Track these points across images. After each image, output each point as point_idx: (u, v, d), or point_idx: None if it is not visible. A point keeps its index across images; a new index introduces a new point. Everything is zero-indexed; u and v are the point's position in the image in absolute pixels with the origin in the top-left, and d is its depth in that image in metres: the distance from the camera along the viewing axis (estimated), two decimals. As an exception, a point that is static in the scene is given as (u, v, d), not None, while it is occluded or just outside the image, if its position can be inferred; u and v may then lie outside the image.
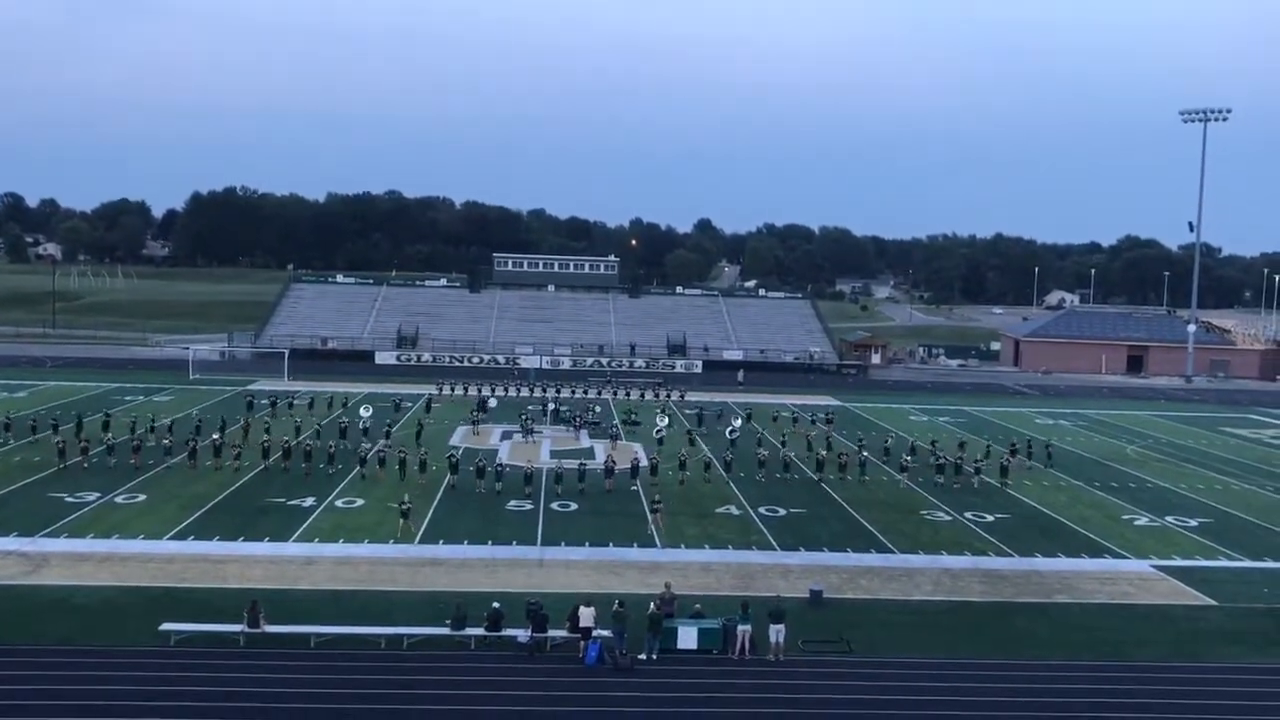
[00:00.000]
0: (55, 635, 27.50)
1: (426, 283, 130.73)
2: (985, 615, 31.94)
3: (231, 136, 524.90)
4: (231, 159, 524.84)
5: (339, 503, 42.97)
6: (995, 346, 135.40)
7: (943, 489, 49.57)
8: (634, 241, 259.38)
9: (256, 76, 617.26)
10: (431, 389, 76.61)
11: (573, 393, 79.97)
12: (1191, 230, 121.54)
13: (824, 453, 53.71)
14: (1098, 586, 35.21)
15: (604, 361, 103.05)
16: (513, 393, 78.48)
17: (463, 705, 24.28)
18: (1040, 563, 37.87)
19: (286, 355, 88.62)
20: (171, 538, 37.05)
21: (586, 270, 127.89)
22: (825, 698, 25.50)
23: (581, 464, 47.62)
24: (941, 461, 52.91)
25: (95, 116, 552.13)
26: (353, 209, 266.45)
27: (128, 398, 70.72)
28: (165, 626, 27.65)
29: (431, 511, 41.70)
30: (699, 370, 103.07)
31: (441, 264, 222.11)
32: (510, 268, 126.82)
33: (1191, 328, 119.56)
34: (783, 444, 56.95)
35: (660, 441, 57.03)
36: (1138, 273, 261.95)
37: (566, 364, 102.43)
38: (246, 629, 27.45)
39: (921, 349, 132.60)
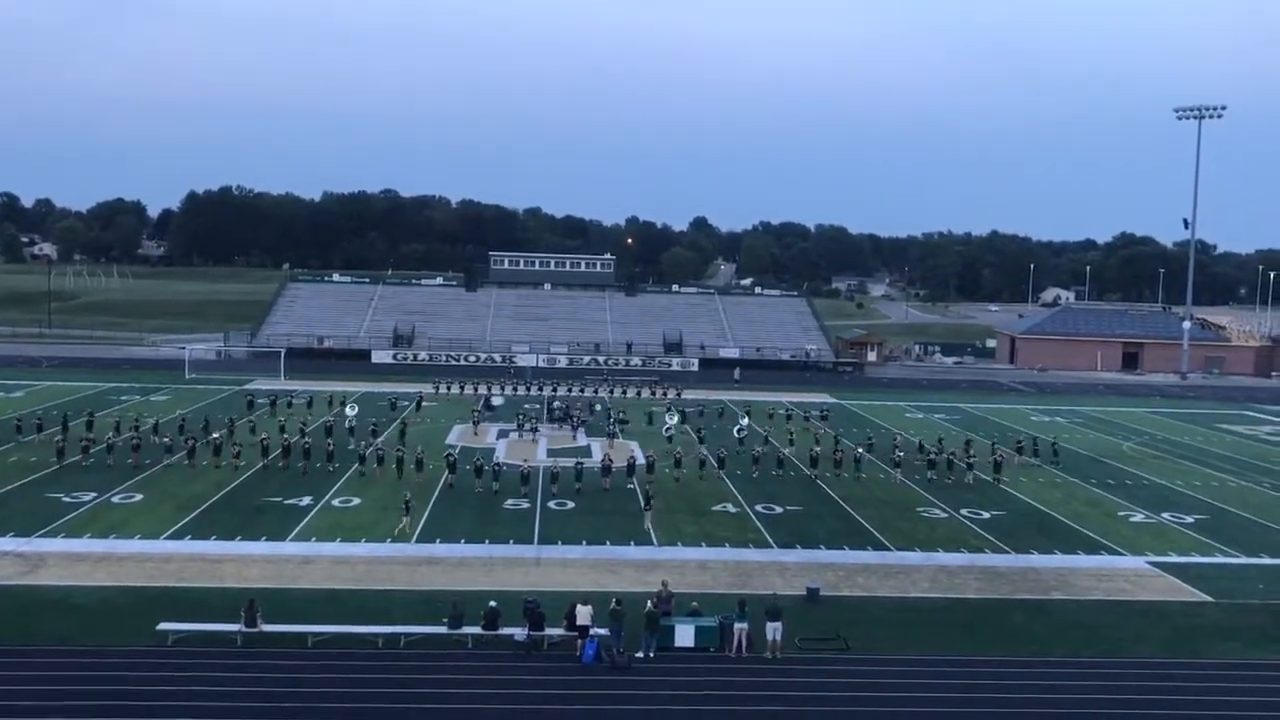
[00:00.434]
0: (52, 635, 27.51)
1: (423, 281, 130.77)
2: (982, 612, 32.01)
3: (227, 136, 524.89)
4: (227, 158, 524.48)
5: (336, 502, 42.98)
6: (991, 344, 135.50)
7: (938, 486, 49.64)
8: (630, 240, 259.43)
9: (252, 76, 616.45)
10: (425, 388, 76.55)
11: (569, 391, 79.96)
12: (1186, 227, 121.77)
13: (816, 449, 53.76)
14: (1094, 583, 35.28)
15: (600, 360, 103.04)
16: (510, 391, 78.45)
17: (460, 704, 24.30)
18: (1037, 560, 37.94)
19: (283, 354, 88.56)
20: (168, 537, 37.05)
21: (583, 269, 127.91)
22: (822, 695, 25.54)
23: (578, 463, 47.64)
24: (932, 457, 53.14)
25: (90, 116, 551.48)
26: (349, 208, 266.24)
27: (124, 397, 70.68)
28: (162, 626, 27.65)
29: (429, 510, 41.72)
30: (695, 368, 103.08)
31: (437, 263, 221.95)
32: (506, 266, 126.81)
33: (1187, 324, 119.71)
34: (790, 442, 56.79)
35: (670, 439, 57.01)
36: (1133, 270, 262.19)
37: (563, 362, 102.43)
38: (244, 628, 27.45)
39: (917, 346, 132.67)
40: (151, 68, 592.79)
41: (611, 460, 48.20)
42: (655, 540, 38.62)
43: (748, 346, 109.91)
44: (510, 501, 43.50)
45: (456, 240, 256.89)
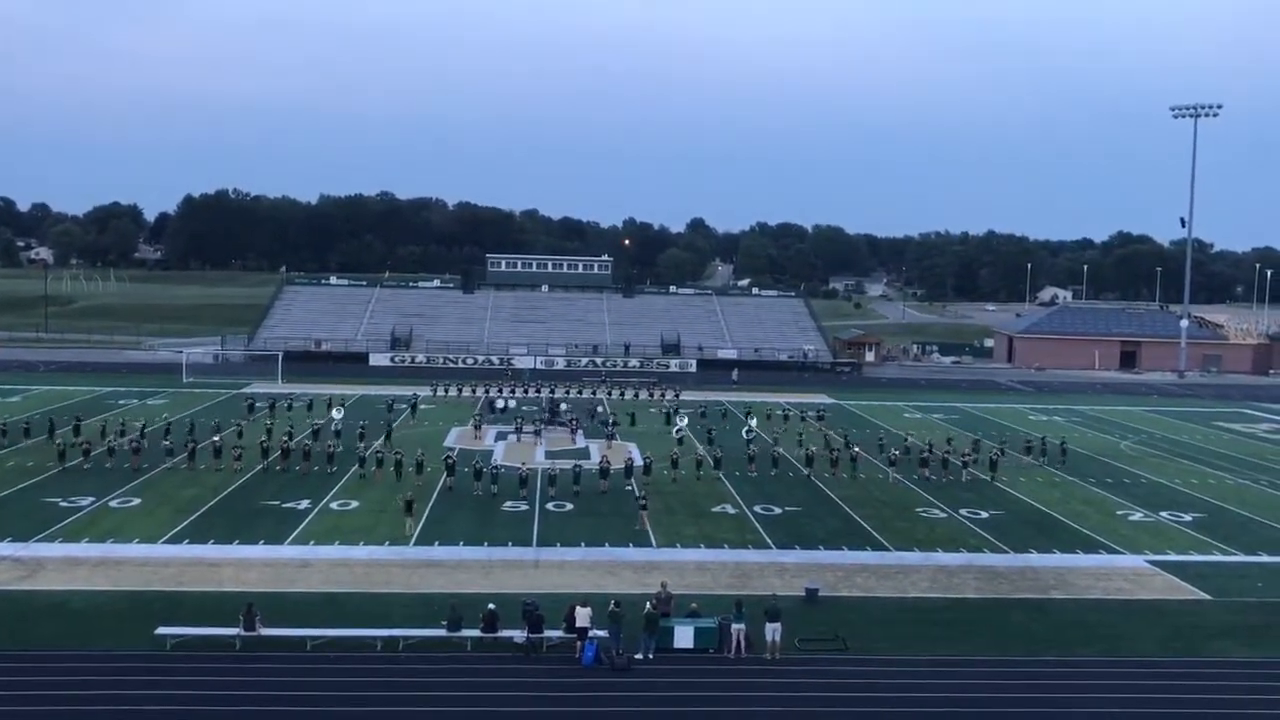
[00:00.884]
0: (51, 640, 27.45)
1: (420, 284, 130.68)
2: (981, 612, 32.01)
3: (223, 139, 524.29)
4: (224, 162, 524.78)
5: (334, 505, 42.95)
6: (989, 343, 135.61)
7: (936, 486, 49.65)
8: (627, 241, 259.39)
9: (248, 79, 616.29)
10: (422, 390, 76.46)
11: (567, 392, 79.93)
12: (1183, 226, 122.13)
13: (813, 448, 53.76)
14: (1093, 582, 35.29)
15: (598, 361, 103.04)
16: (511, 392, 78.32)
17: (459, 706, 24.28)
18: (1035, 559, 37.94)
19: (280, 358, 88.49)
20: (167, 541, 37.01)
21: (580, 270, 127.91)
22: (821, 696, 25.53)
23: (576, 465, 47.62)
24: (925, 455, 53.23)
25: (86, 120, 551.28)
26: (346, 210, 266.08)
27: (121, 401, 70.61)
28: (161, 631, 27.61)
29: (428, 513, 41.68)
30: (693, 369, 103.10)
31: (435, 265, 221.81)
32: (504, 268, 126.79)
33: (1184, 323, 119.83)
34: (800, 443, 56.65)
35: (680, 441, 56.99)
36: (1130, 269, 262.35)
37: (561, 364, 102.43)
38: (242, 632, 27.42)
39: (915, 346, 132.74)
40: (147, 71, 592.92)
41: (609, 462, 48.19)
42: (654, 541, 38.61)
43: (745, 347, 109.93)
44: (509, 504, 43.47)
45: (454, 242, 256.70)
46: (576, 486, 45.57)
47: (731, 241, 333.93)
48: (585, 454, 54.37)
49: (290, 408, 68.36)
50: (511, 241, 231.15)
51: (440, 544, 37.45)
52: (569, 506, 43.50)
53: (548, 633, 27.84)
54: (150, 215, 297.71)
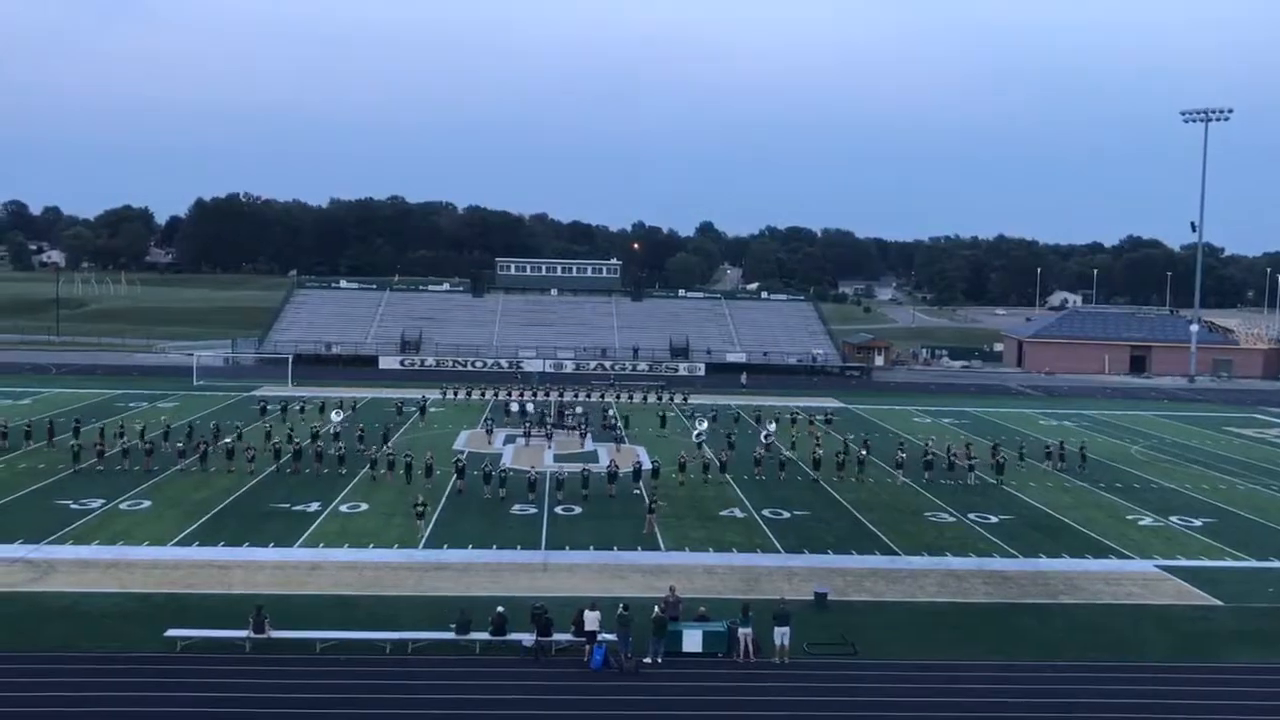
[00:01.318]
0: (62, 641, 27.55)
1: (429, 287, 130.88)
2: (990, 616, 31.94)
3: (234, 143, 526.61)
4: (235, 165, 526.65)
5: (344, 508, 43.03)
6: (998, 348, 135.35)
7: (946, 490, 49.54)
8: (636, 245, 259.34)
9: (259, 82, 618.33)
10: (431, 393, 76.51)
11: (575, 395, 79.97)
12: (1194, 230, 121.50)
13: (819, 452, 53.80)
14: (1103, 587, 35.19)
15: (607, 365, 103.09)
16: (526, 396, 78.17)
17: (468, 710, 24.31)
18: (1045, 564, 37.85)
19: (290, 361, 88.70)
20: (177, 544, 37.12)
21: (589, 274, 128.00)
22: (830, 700, 25.50)
23: (585, 469, 47.64)
24: (929, 458, 53.21)
25: (98, 123, 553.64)
26: (356, 214, 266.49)
27: (132, 404, 70.84)
28: (171, 633, 27.70)
29: (436, 516, 41.74)
30: (702, 373, 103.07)
31: (444, 269, 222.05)
32: (513, 272, 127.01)
33: (1195, 328, 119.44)
34: (817, 446, 56.53)
35: (700, 445, 56.78)
36: (1140, 273, 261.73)
37: (569, 367, 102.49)
38: (252, 635, 27.48)
39: (924, 350, 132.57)
40: (158, 74, 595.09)
41: (617, 466, 48.19)
42: (662, 545, 38.61)
43: (754, 351, 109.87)
44: (517, 507, 43.50)
45: (463, 246, 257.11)
46: (585, 490, 45.59)
47: (740, 245, 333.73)
48: (594, 457, 54.38)
49: (303, 410, 68.50)
50: (521, 245, 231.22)
51: (449, 547, 37.49)
52: (577, 510, 43.52)
53: (556, 636, 27.84)
54: (161, 219, 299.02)
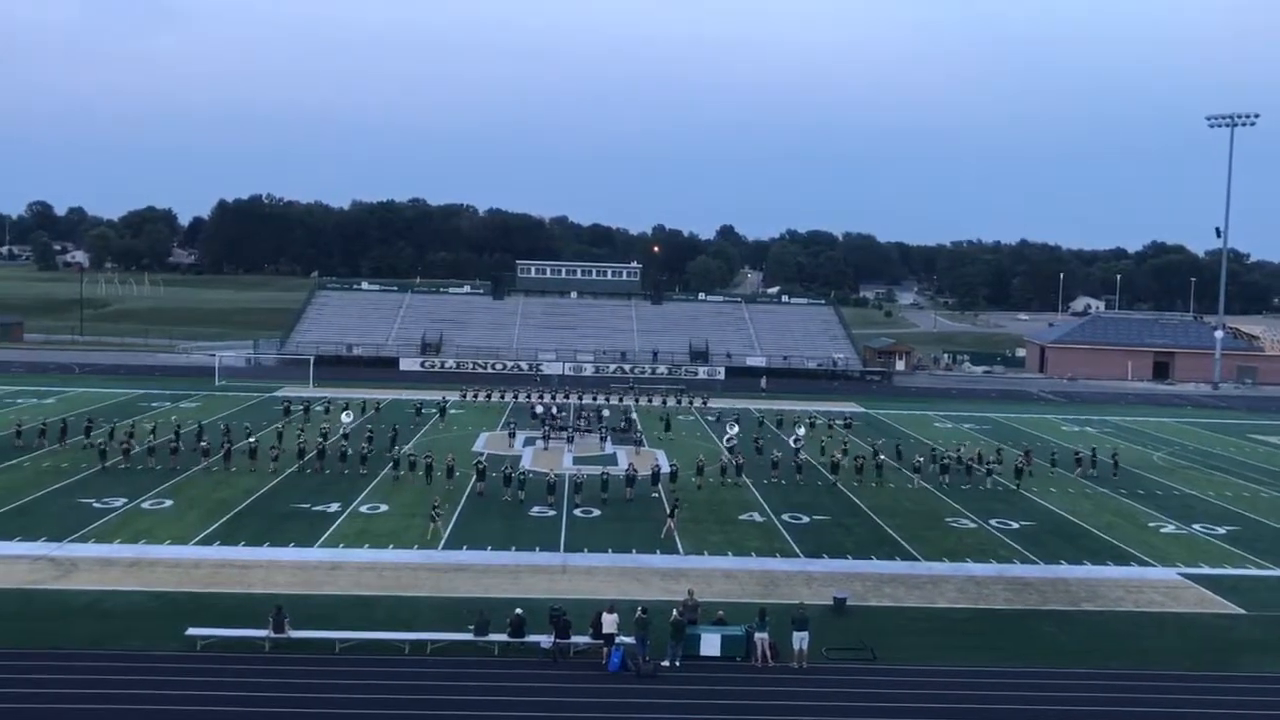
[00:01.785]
0: (84, 639, 27.75)
1: (450, 289, 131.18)
2: (1010, 623, 31.78)
3: (257, 145, 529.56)
4: (257, 167, 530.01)
5: (363, 508, 43.18)
6: (1020, 353, 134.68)
7: (968, 495, 49.34)
8: (656, 248, 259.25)
9: (281, 85, 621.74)
10: (450, 394, 76.66)
11: (594, 398, 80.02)
12: (1219, 236, 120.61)
13: (837, 455, 53.75)
14: (1124, 594, 34.96)
15: (626, 368, 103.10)
16: (560, 398, 78.17)
17: (486, 711, 24.34)
18: (1066, 570, 37.63)
19: (312, 362, 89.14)
20: (198, 543, 37.33)
21: (609, 277, 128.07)
22: (849, 705, 25.42)
23: (604, 472, 47.63)
24: (946, 462, 53.06)
25: (122, 125, 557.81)
26: (377, 216, 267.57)
27: (154, 404, 71.30)
28: (191, 631, 27.86)
29: (455, 517, 41.84)
30: (721, 377, 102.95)
31: (465, 271, 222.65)
32: (533, 274, 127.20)
33: (1219, 334, 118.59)
34: (843, 451, 56.35)
35: (731, 450, 56.46)
36: (1164, 279, 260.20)
37: (589, 370, 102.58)
38: (271, 634, 27.61)
39: (946, 356, 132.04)
40: (182, 77, 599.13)
41: (636, 470, 48.16)
42: (681, 549, 38.57)
43: (774, 355, 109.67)
44: (536, 509, 43.55)
45: (484, 248, 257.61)
46: (604, 493, 45.60)
47: (761, 249, 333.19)
48: (613, 460, 54.39)
49: (327, 410, 68.84)
50: (541, 248, 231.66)
51: (468, 548, 37.57)
52: (596, 513, 43.53)
53: (574, 638, 27.87)
54: (185, 220, 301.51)
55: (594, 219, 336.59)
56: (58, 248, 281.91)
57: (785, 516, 44.04)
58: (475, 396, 78.77)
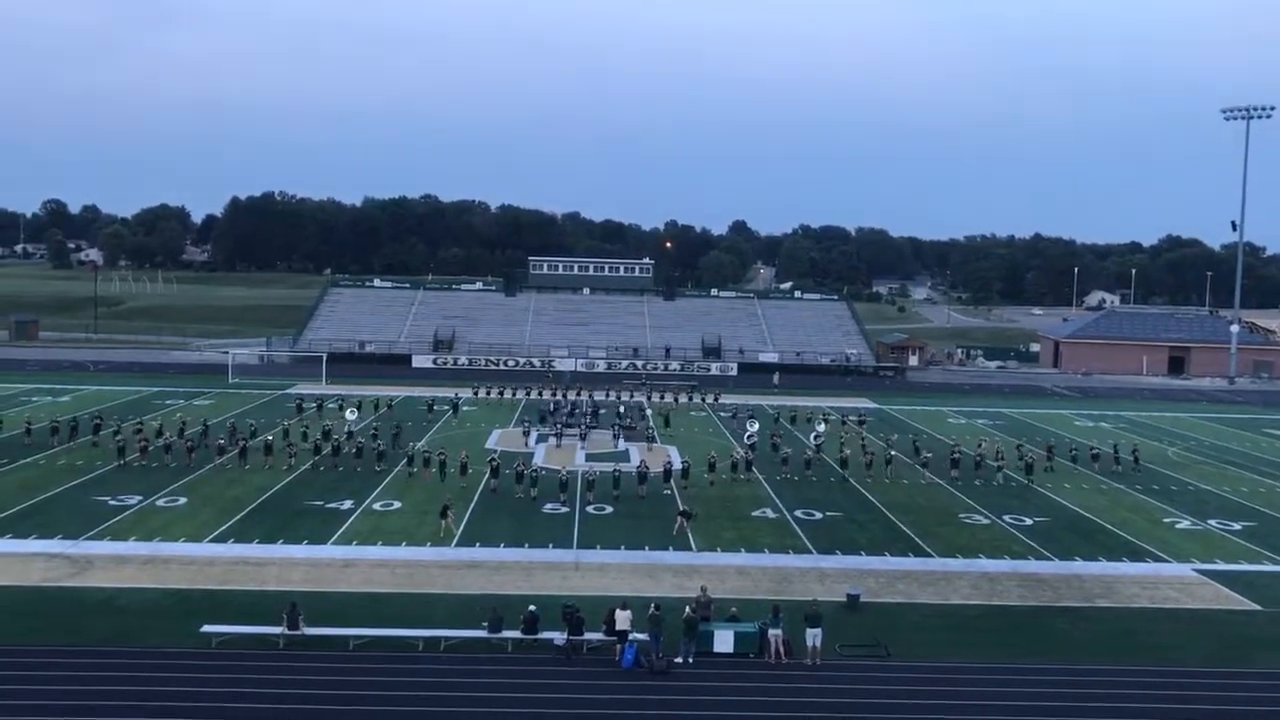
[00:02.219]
0: (99, 636, 27.89)
1: (463, 286, 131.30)
2: (1024, 619, 31.69)
3: (269, 142, 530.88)
4: (269, 164, 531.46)
5: (377, 505, 43.28)
6: (1034, 348, 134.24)
7: (980, 492, 49.23)
8: (668, 244, 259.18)
9: (293, 82, 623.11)
10: (463, 391, 76.70)
11: (606, 395, 80.00)
12: (1235, 230, 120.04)
13: (847, 451, 53.77)
14: (1139, 591, 34.82)
15: (639, 364, 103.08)
16: (573, 396, 78.10)
17: (499, 707, 24.37)
18: (1080, 566, 37.51)
19: (324, 359, 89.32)
20: (212, 540, 37.46)
21: (621, 273, 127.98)
22: (862, 702, 25.38)
23: (616, 469, 47.65)
24: (956, 456, 52.98)
25: (135, 123, 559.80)
26: (389, 213, 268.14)
27: (168, 401, 71.56)
28: (206, 628, 27.97)
29: (468, 515, 41.90)
30: (734, 373, 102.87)
31: (477, 267, 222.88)
32: (545, 271, 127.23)
33: (1235, 328, 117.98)
34: (862, 448, 56.22)
35: (752, 447, 56.31)
36: (1179, 273, 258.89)
37: (601, 367, 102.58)
38: (286, 631, 27.70)
39: (959, 351, 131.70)
40: (194, 74, 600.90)
41: (648, 466, 48.13)
42: (694, 545, 38.56)
43: (787, 351, 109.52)
44: (549, 506, 43.58)
45: (496, 245, 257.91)
46: (616, 490, 45.61)
47: (774, 244, 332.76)
48: (625, 457, 54.40)
49: (341, 407, 68.93)
50: (553, 244, 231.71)
51: (481, 545, 37.63)
52: (609, 509, 43.54)
53: (588, 635, 27.89)
54: (197, 217, 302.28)
55: (606, 215, 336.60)
56: (72, 246, 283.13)
57: (798, 513, 43.99)
58: (488, 393, 78.82)
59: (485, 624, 28.33)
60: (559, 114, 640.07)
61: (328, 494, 44.80)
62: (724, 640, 27.99)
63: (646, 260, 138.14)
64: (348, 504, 43.17)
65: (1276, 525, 45.04)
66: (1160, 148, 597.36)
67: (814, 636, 27.46)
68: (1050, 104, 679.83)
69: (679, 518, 40.70)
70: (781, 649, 27.61)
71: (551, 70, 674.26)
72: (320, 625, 28.30)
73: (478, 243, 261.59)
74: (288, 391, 77.97)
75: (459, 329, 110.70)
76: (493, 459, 48.79)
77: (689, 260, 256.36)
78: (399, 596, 31.87)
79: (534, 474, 46.50)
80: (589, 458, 54.23)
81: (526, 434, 61.11)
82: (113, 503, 42.16)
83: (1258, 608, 33.53)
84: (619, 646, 27.31)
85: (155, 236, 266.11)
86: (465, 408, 71.40)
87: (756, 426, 61.98)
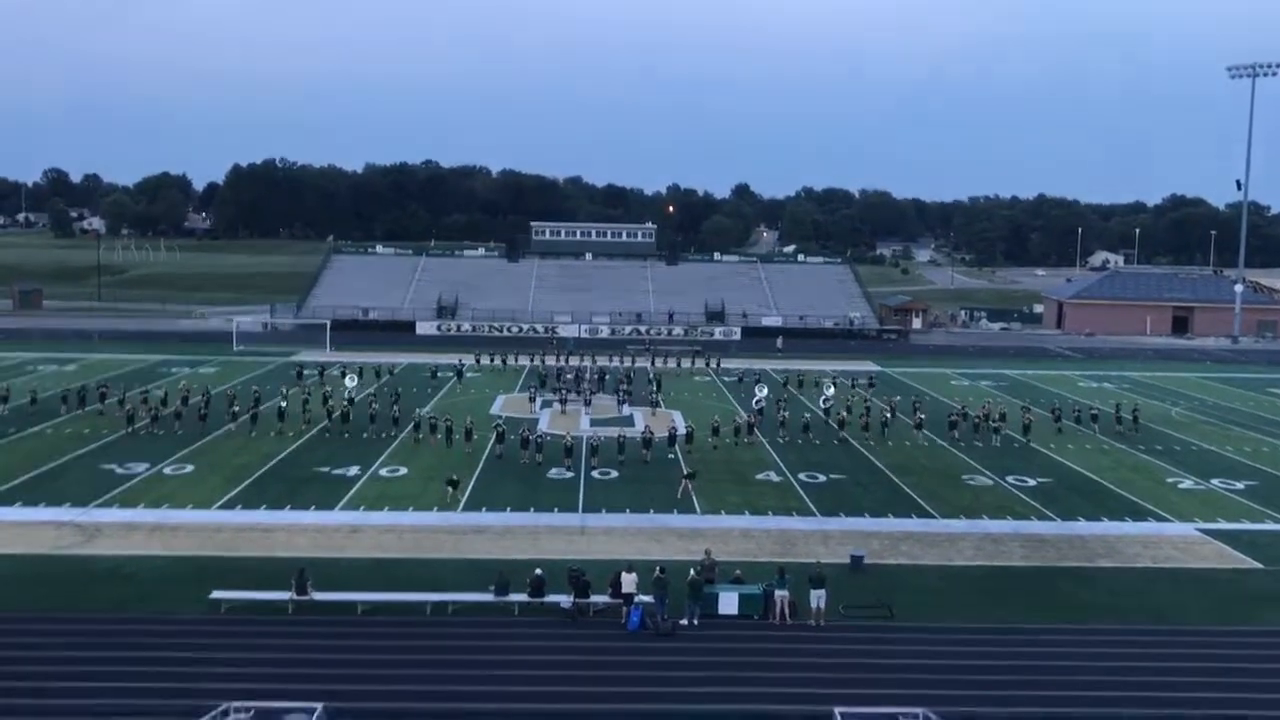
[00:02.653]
0: (108, 603, 28.15)
1: (465, 252, 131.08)
2: (1027, 580, 31.88)
3: (270, 109, 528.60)
4: (270, 131, 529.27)
5: (383, 471, 43.48)
6: (1038, 309, 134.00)
7: (983, 453, 49.35)
8: (670, 208, 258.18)
9: (293, 49, 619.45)
10: (466, 358, 76.71)
11: (609, 360, 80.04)
12: (1239, 188, 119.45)
13: (844, 414, 54.13)
14: (1141, 550, 35.00)
15: (642, 330, 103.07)
16: (575, 362, 78.16)
17: (507, 670, 24.60)
18: (1082, 527, 37.67)
19: (328, 326, 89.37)
20: (220, 507, 37.69)
21: (624, 238, 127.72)
22: (866, 663, 25.60)
23: (621, 434, 47.78)
24: (954, 419, 53.12)
25: (135, 91, 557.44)
26: (391, 179, 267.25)
27: (173, 370, 71.72)
28: (215, 594, 28.20)
29: (474, 480, 42.09)
30: (738, 337, 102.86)
31: (479, 233, 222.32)
32: (548, 236, 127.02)
33: (1239, 288, 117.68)
34: (866, 411, 56.38)
35: (760, 411, 55.93)
36: (1183, 233, 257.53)
37: (605, 332, 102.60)
38: (294, 596, 27.92)
39: (963, 312, 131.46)
40: (193, 41, 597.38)
41: (652, 431, 48.25)
42: (698, 508, 38.75)
43: (791, 315, 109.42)
44: (554, 471, 43.76)
45: (498, 210, 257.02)
46: (621, 455, 45.76)
47: (777, 207, 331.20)
48: (630, 422, 54.54)
49: (344, 374, 68.92)
50: (555, 209, 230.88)
51: (488, 510, 37.84)
52: (614, 474, 43.72)
53: (594, 598, 28.11)
54: (199, 185, 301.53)
55: (608, 179, 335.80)
56: (74, 215, 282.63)
57: (802, 476, 44.16)
58: (491, 360, 78.82)
59: (492, 588, 28.53)
60: (559, 78, 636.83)
61: (334, 460, 45.00)
62: (728, 602, 28.20)
63: (649, 225, 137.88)
64: (354, 470, 43.38)
65: (1279, 484, 45.16)
66: (1164, 107, 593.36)
67: (818, 598, 27.66)
68: (1054, 64, 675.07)
69: (684, 481, 40.88)
70: (786, 610, 27.82)
71: (553, 34, 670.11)
72: (328, 590, 28.52)
73: (479, 208, 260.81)
74: (292, 359, 78.06)
75: (462, 295, 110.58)
76: (498, 424, 48.95)
77: (691, 224, 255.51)
78: (406, 561, 32.10)
79: (539, 439, 46.66)
80: (593, 423, 54.38)
81: (532, 399, 61.18)
82: (120, 471, 42.39)
83: (1260, 566, 33.71)
84: (624, 609, 27.53)
85: (157, 205, 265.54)
86: (470, 374, 71.48)
87: (765, 391, 61.94)
